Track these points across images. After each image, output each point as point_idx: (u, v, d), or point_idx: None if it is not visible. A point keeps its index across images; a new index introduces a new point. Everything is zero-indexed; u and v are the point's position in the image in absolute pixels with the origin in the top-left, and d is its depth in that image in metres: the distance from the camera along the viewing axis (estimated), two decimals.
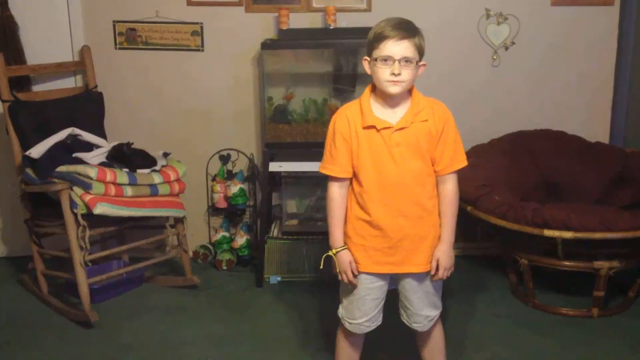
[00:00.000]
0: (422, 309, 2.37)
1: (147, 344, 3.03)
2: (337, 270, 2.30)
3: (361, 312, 2.37)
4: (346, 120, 2.25)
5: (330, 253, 2.31)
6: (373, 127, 2.21)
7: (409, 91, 2.24)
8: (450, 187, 2.29)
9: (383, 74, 2.15)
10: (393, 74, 2.13)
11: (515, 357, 2.88)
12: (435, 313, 2.41)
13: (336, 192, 2.29)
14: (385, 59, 2.13)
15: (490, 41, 3.83)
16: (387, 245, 2.26)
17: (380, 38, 2.14)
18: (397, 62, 2.12)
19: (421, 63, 2.19)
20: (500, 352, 2.91)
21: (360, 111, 2.24)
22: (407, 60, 2.13)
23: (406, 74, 2.14)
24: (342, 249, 2.30)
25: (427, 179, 2.26)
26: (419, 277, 2.33)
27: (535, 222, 3.05)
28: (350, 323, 2.40)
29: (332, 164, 2.27)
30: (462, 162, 2.29)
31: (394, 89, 2.16)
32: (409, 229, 2.25)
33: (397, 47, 2.12)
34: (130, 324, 3.22)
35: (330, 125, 2.30)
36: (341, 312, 2.43)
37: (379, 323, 2.42)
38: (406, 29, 2.14)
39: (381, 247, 2.27)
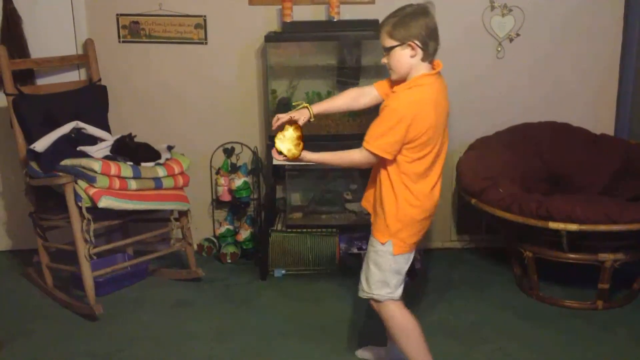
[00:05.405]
0: (361, 273, 2.46)
1: (152, 336, 3.04)
2: None
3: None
4: None
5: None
6: None
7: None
8: (355, 152, 2.34)
9: None
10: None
11: (520, 350, 2.88)
12: (363, 285, 2.44)
13: None
14: None
15: (495, 33, 3.81)
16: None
17: None
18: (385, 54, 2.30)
19: (404, 44, 2.23)
20: (505, 345, 2.91)
21: None
22: (385, 49, 2.26)
23: (390, 61, 2.28)
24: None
25: None
26: (370, 241, 2.43)
27: (539, 215, 3.05)
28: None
29: None
30: (366, 143, 2.29)
31: (391, 75, 2.35)
32: (371, 191, 2.46)
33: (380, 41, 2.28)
34: (135, 316, 3.23)
35: None
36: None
37: None
38: (382, 22, 2.26)
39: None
